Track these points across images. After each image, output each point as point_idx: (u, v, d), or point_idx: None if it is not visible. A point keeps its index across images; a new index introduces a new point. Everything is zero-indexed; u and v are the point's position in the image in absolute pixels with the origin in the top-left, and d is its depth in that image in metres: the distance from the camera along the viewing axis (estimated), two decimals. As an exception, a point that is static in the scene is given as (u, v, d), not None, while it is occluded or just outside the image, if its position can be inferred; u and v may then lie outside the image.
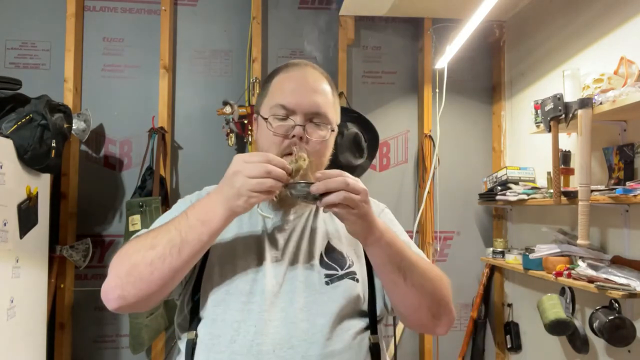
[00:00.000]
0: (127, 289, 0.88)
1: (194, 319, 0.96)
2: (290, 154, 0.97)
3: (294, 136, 0.97)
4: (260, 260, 0.97)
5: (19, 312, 2.01)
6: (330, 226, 1.05)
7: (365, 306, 0.98)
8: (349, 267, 0.98)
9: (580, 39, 2.23)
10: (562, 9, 2.39)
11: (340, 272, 0.97)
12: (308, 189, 0.84)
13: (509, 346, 2.75)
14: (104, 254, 2.72)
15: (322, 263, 0.98)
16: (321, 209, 0.87)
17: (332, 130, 1.03)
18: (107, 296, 0.90)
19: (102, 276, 2.72)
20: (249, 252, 0.98)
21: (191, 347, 0.94)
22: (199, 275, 0.99)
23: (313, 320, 0.91)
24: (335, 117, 1.06)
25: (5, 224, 1.91)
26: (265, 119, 1.01)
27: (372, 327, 0.97)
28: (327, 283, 0.95)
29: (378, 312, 0.99)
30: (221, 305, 0.93)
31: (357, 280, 0.98)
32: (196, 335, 0.93)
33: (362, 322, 0.96)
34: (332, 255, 0.99)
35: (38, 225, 2.17)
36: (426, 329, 1.00)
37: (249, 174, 0.82)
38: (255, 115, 1.09)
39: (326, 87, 1.05)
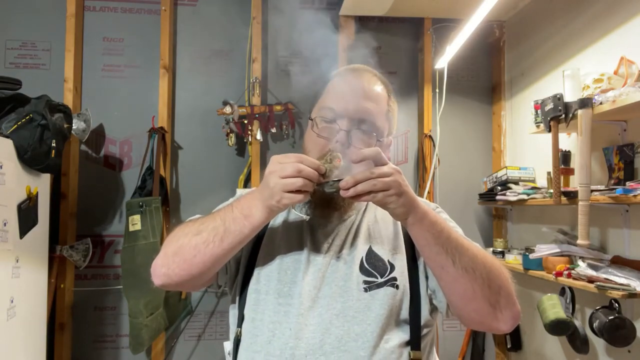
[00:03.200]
0: (172, 267, 0.93)
1: (241, 316, 0.99)
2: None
3: (337, 141, 0.96)
4: (300, 262, 0.97)
5: (19, 312, 2.01)
6: (374, 231, 1.02)
7: (406, 314, 0.94)
8: (390, 273, 0.96)
9: (580, 39, 2.23)
10: (562, 9, 2.39)
11: (380, 280, 0.94)
12: (339, 185, 0.85)
13: (509, 346, 2.75)
14: (104, 254, 2.72)
15: (362, 269, 0.96)
16: (368, 203, 0.90)
17: (379, 140, 1.00)
18: (155, 272, 0.96)
19: (102, 276, 2.75)
20: (290, 253, 0.99)
21: (236, 344, 0.98)
22: (247, 271, 1.01)
23: (348, 328, 0.90)
24: (386, 126, 1.04)
25: (5, 224, 1.91)
26: (312, 119, 1.01)
27: (414, 342, 0.93)
28: (365, 290, 0.93)
29: (423, 321, 0.95)
30: (260, 305, 0.95)
31: (397, 287, 0.94)
32: (240, 333, 0.97)
33: (403, 335, 0.93)
34: (372, 262, 0.97)
35: (38, 225, 2.17)
36: (487, 323, 0.92)
37: (281, 174, 0.84)
38: (309, 118, 1.08)
39: (380, 94, 1.03)
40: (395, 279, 0.95)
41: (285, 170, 0.84)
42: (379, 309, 0.91)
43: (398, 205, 0.84)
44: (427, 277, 0.98)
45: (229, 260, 0.99)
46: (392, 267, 0.97)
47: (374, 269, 0.96)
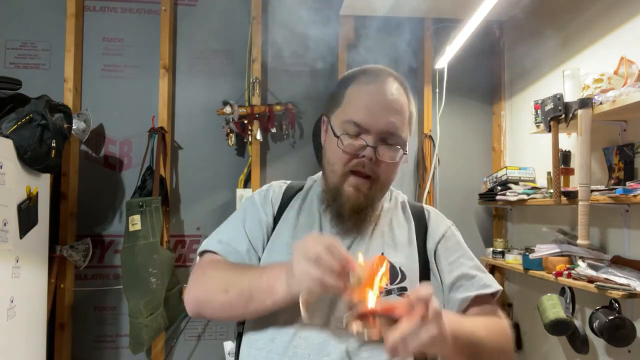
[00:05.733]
0: (204, 311, 0.98)
1: None
2: (356, 172, 0.96)
3: (363, 156, 0.95)
4: None
5: (19, 312, 2.01)
6: (388, 237, 1.02)
7: None
8: (400, 282, 0.95)
9: (580, 39, 2.23)
10: (562, 9, 2.39)
11: (390, 286, 0.94)
12: (388, 353, 0.74)
13: (509, 346, 2.74)
14: (104, 254, 2.72)
15: None
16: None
17: (405, 153, 1.00)
18: (188, 306, 0.99)
19: (102, 276, 2.75)
20: None
21: (238, 341, 0.99)
22: None
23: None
24: (408, 134, 1.02)
25: (5, 224, 1.91)
26: (337, 136, 0.97)
27: None
28: None
29: None
30: None
31: None
32: (243, 330, 0.99)
33: None
34: None
35: (38, 225, 2.17)
36: None
37: (309, 270, 0.79)
38: (324, 119, 1.05)
39: (404, 103, 1.00)
40: (405, 289, 0.95)
41: (311, 270, 0.79)
42: None
43: (437, 351, 0.81)
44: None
45: None
46: (404, 276, 0.96)
47: None
